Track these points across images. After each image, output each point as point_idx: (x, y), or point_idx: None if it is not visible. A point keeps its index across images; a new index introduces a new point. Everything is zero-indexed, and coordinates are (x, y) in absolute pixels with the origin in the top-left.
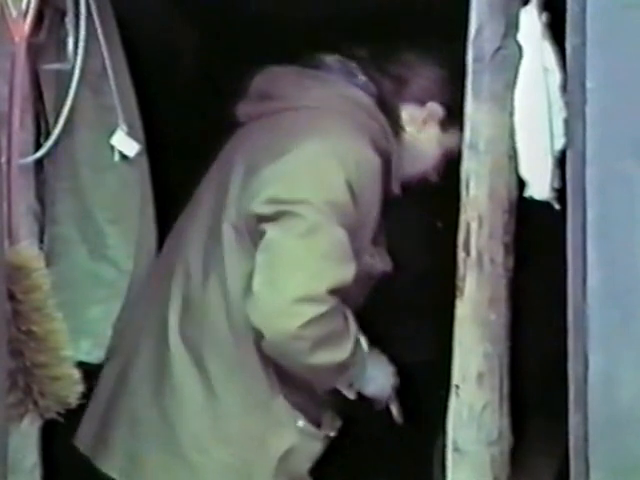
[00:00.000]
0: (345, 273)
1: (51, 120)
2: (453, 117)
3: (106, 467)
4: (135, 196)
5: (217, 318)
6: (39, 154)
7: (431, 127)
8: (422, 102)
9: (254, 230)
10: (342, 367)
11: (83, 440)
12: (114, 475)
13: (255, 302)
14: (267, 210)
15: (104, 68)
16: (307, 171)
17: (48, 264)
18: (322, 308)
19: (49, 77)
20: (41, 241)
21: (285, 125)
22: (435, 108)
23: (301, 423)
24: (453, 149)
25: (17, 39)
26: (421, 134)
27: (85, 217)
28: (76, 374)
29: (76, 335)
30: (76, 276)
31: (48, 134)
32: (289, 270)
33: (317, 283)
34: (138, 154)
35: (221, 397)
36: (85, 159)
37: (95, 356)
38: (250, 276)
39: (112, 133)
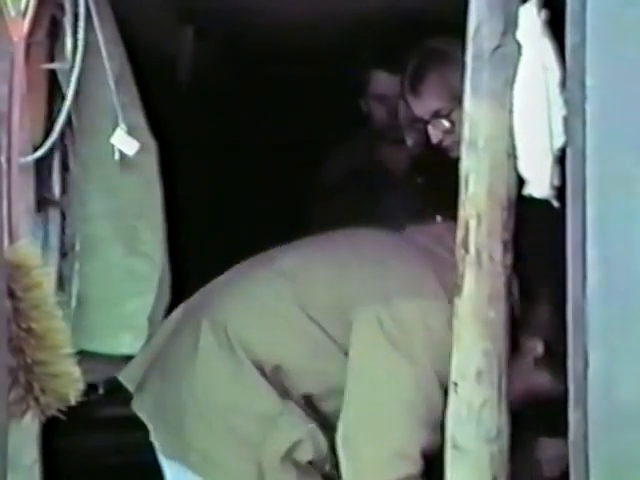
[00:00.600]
0: (436, 439)
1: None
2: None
3: (137, 407)
4: (156, 189)
5: None
6: (40, 153)
7: None
8: None
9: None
10: None
11: (128, 376)
12: (143, 417)
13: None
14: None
15: (121, 67)
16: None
17: (83, 263)
18: (414, 468)
19: (66, 76)
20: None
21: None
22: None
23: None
24: None
25: (16, 39)
26: None
27: (116, 215)
28: (76, 372)
29: (116, 330)
30: (112, 272)
31: (64, 135)
32: (388, 425)
33: (413, 443)
34: (150, 147)
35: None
36: (111, 158)
37: (136, 348)
38: None
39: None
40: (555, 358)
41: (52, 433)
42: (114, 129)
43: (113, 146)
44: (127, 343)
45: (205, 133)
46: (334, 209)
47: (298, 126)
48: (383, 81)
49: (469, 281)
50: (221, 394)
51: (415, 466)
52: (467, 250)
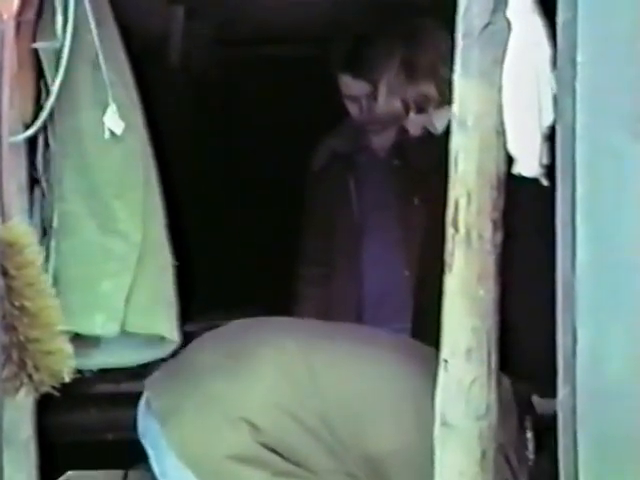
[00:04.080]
0: None
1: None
2: None
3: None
4: (137, 169)
5: None
6: (30, 132)
7: None
8: None
9: None
10: None
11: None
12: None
13: None
14: None
15: (109, 44)
16: None
17: (59, 240)
18: None
19: (50, 56)
20: (44, 219)
21: None
22: None
23: None
24: None
25: (5, 17)
26: None
27: (92, 193)
28: (69, 349)
29: (90, 310)
30: (87, 251)
31: (52, 114)
32: None
33: None
34: (137, 127)
35: None
36: (90, 136)
37: (109, 330)
38: None
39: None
40: None
41: (46, 410)
42: (94, 106)
43: (91, 123)
44: (100, 324)
45: (193, 114)
46: (320, 190)
47: (288, 107)
48: (351, 84)
49: (458, 259)
50: None
51: None
52: (457, 229)
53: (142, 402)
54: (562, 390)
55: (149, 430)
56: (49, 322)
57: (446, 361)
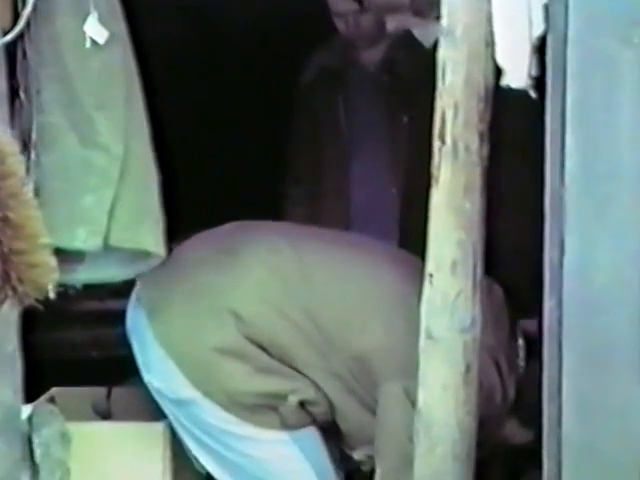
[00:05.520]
0: None
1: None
2: None
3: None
4: (119, 81)
5: None
6: (9, 37)
7: None
8: None
9: None
10: None
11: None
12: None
13: None
14: None
15: None
16: None
17: (39, 153)
18: None
19: None
20: (23, 131)
21: None
22: None
23: None
24: None
25: None
26: None
27: (72, 104)
28: (53, 262)
29: (72, 224)
30: (68, 164)
31: (29, 21)
32: None
33: None
34: (119, 38)
35: None
36: (68, 45)
37: (91, 244)
38: None
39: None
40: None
41: (31, 327)
42: (72, 14)
43: (69, 31)
44: (82, 238)
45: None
46: (308, 106)
47: (276, 24)
48: (338, 1)
49: (445, 172)
50: None
51: None
52: (443, 141)
53: (133, 295)
54: (548, 302)
55: (136, 322)
56: (33, 234)
57: (431, 275)
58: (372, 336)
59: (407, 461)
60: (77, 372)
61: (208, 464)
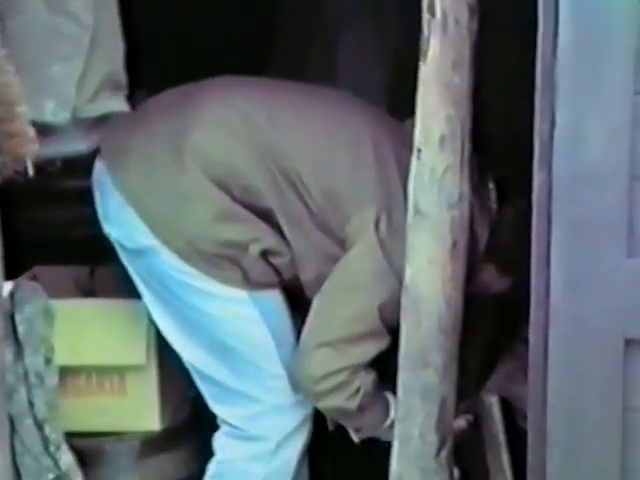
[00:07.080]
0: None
1: None
2: None
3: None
4: None
5: None
6: None
7: None
8: None
9: None
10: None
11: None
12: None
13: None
14: None
15: None
16: None
17: (4, 19)
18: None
19: None
20: None
21: None
22: None
23: None
24: None
25: None
26: None
27: None
28: (31, 132)
29: (40, 96)
30: (35, 31)
31: None
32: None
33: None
34: None
35: None
36: None
37: (61, 117)
38: None
39: None
40: (502, 255)
41: (11, 205)
42: None
43: None
44: (50, 110)
45: None
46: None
47: None
48: None
49: (434, 46)
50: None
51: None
52: (433, 14)
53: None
54: (538, 175)
55: (98, 174)
56: (11, 100)
57: (419, 150)
58: (341, 171)
59: (350, 290)
60: (59, 251)
61: (164, 320)
